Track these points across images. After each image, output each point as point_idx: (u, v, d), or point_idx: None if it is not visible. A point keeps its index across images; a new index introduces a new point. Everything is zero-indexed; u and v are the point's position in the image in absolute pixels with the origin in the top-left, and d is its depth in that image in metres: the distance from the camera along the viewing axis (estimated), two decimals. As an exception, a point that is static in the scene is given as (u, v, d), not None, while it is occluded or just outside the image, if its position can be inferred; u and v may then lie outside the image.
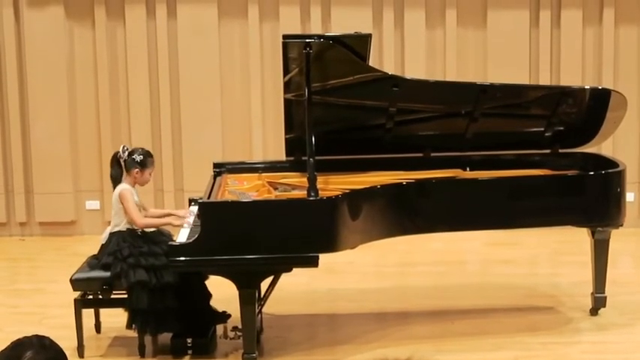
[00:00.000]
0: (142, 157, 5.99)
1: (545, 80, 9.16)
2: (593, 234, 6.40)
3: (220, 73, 9.24)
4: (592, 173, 6.37)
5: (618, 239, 6.74)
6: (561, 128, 6.76)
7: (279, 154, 6.96)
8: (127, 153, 5.98)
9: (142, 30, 9.16)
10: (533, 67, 9.25)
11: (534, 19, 9.23)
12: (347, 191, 5.72)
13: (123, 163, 5.98)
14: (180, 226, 5.87)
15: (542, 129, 6.74)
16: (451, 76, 9.09)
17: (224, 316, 6.09)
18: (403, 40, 9.23)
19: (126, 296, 5.80)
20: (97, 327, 6.31)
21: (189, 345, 5.91)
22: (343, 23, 8.84)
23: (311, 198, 5.50)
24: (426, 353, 5.91)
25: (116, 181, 6.02)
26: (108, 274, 5.80)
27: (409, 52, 9.22)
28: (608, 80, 9.00)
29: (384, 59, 9.09)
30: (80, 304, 5.90)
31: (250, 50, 9.19)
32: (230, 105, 9.31)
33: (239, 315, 5.55)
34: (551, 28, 9.21)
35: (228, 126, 9.31)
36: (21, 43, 9.19)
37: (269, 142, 9.24)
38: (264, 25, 9.19)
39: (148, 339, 5.91)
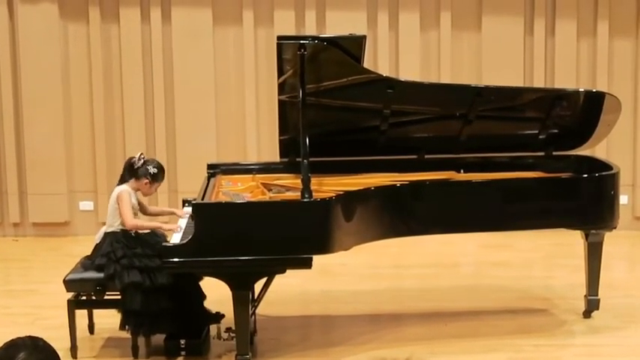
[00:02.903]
0: (156, 170, 6.01)
1: (539, 85, 9.16)
2: (586, 237, 6.41)
3: (215, 75, 9.24)
4: (586, 176, 6.38)
5: (612, 242, 6.76)
6: (555, 131, 6.77)
7: (274, 155, 6.96)
8: (142, 161, 5.99)
9: (136, 32, 9.16)
10: (527, 72, 9.26)
11: (529, 25, 9.24)
12: (341, 193, 5.72)
13: (135, 170, 5.98)
14: (172, 230, 5.86)
15: (537, 131, 6.75)
16: (445, 79, 9.10)
17: (218, 317, 6.08)
18: (398, 43, 9.24)
19: (119, 297, 5.79)
20: (91, 328, 6.30)
21: (182, 346, 5.91)
22: (338, 27, 8.84)
23: (305, 199, 5.50)
24: (419, 355, 5.91)
25: (123, 182, 6.02)
26: (101, 275, 5.79)
27: (404, 55, 9.22)
28: (602, 85, 9.01)
29: (378, 62, 9.09)
30: (73, 305, 5.90)
31: (245, 53, 9.19)
32: (224, 106, 9.31)
33: (233, 316, 5.54)
34: (546, 36, 9.23)
35: (223, 127, 9.31)
36: (15, 41, 9.18)
37: (263, 143, 9.24)
38: (259, 29, 9.19)
39: (141, 340, 5.90)
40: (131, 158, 6.05)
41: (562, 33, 9.20)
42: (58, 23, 9.14)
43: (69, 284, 5.88)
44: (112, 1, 9.16)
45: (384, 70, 8.76)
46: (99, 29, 9.15)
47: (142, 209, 6.18)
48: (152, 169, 5.99)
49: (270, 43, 8.54)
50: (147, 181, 5.99)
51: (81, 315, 6.06)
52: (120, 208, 5.87)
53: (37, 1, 9.09)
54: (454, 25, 9.23)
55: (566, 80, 9.11)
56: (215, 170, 6.66)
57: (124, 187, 5.96)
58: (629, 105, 9.04)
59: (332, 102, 6.34)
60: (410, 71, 8.96)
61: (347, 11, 9.12)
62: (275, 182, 6.42)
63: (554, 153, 6.84)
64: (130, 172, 5.99)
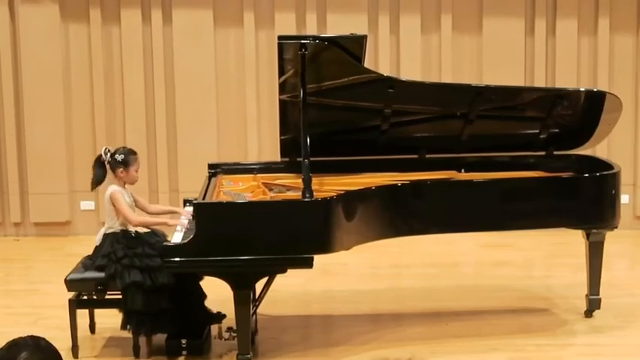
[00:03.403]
0: (123, 155, 5.97)
1: (540, 84, 9.15)
2: (587, 236, 6.41)
3: (216, 76, 9.24)
4: (587, 175, 6.38)
5: (613, 241, 6.75)
6: (556, 130, 6.77)
7: (274, 155, 6.96)
8: (109, 154, 5.96)
9: (137, 33, 9.16)
10: (528, 74, 9.26)
11: (529, 26, 9.24)
12: (342, 192, 5.72)
13: (108, 166, 5.97)
14: (175, 227, 5.85)
15: (537, 131, 6.75)
16: (446, 81, 9.08)
17: (219, 317, 6.09)
18: (399, 46, 9.24)
19: (120, 297, 5.79)
20: (92, 327, 6.30)
21: (183, 346, 5.90)
22: (339, 29, 8.83)
23: (306, 199, 5.50)
24: (420, 355, 5.91)
25: (97, 183, 5.99)
26: (102, 274, 5.79)
27: (404, 58, 9.22)
28: (603, 85, 9.01)
29: (379, 64, 9.08)
30: (75, 305, 5.90)
31: (245, 54, 9.19)
32: (225, 106, 9.31)
33: (234, 316, 5.55)
34: (547, 37, 9.23)
35: (224, 127, 9.31)
36: (16, 41, 9.18)
37: (264, 143, 9.24)
38: (260, 30, 9.19)
39: (142, 340, 5.91)
40: (99, 157, 6.01)
41: (563, 31, 9.19)
42: (59, 24, 9.14)
43: (70, 284, 5.88)
44: (113, 2, 9.16)
45: (385, 73, 8.74)
46: (100, 30, 9.15)
47: (143, 208, 6.18)
48: (119, 157, 5.95)
49: (271, 45, 8.54)
50: (121, 169, 5.96)
51: (82, 315, 6.05)
52: (117, 208, 5.86)
53: (38, 1, 9.09)
54: (455, 28, 9.23)
55: (567, 79, 9.10)
56: (216, 170, 6.66)
57: (113, 187, 5.94)
58: (630, 104, 9.04)
59: (333, 102, 6.34)
60: (411, 74, 8.93)
61: (348, 14, 9.12)
62: (276, 182, 6.43)
63: (555, 152, 6.84)
64: (102, 169, 5.97)
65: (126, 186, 6.02)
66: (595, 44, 9.24)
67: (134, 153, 6.06)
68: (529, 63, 9.27)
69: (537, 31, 9.21)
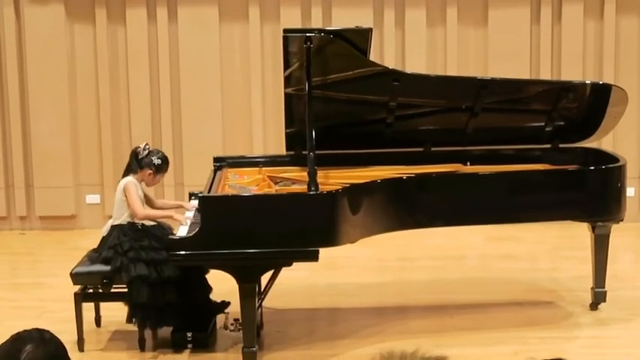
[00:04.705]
0: (160, 161, 6.02)
1: (545, 77, 9.13)
2: (593, 229, 6.40)
3: (221, 69, 9.23)
4: (592, 168, 6.38)
5: (618, 234, 6.74)
6: (562, 123, 6.75)
7: (280, 148, 6.95)
8: (147, 151, 6.00)
9: (142, 31, 9.14)
10: (534, 64, 9.23)
11: (535, 15, 9.21)
12: (347, 185, 5.72)
13: (139, 160, 5.98)
14: (181, 221, 5.86)
15: (543, 124, 6.73)
16: (452, 74, 9.06)
17: (223, 306, 6.09)
18: (404, 40, 9.22)
19: (126, 290, 5.80)
20: (97, 321, 6.32)
21: (189, 339, 5.92)
22: (344, 23, 8.80)
23: (311, 192, 5.50)
24: (425, 347, 5.90)
25: (126, 174, 6.03)
26: (108, 268, 5.80)
27: (410, 51, 9.20)
28: (609, 75, 8.99)
29: (384, 58, 9.05)
30: (80, 298, 5.91)
31: (251, 48, 9.18)
32: (230, 99, 9.30)
33: (239, 308, 5.55)
34: (552, 24, 9.19)
35: (229, 120, 9.31)
36: (21, 39, 9.18)
37: (269, 136, 9.23)
38: (265, 25, 9.18)
39: (148, 333, 5.92)
40: (136, 148, 6.06)
41: (569, 17, 9.13)
42: (64, 23, 9.13)
43: (76, 277, 5.90)
44: (118, 1, 9.15)
45: (391, 66, 8.73)
46: (105, 30, 9.14)
47: (150, 203, 6.19)
48: (156, 160, 6.00)
49: (276, 39, 8.55)
50: (150, 171, 6.00)
51: (88, 308, 6.07)
52: (128, 199, 5.88)
53: (44, 1, 9.08)
54: (460, 21, 9.21)
55: (572, 67, 9.06)
56: (221, 163, 6.66)
57: (130, 178, 5.97)
58: (636, 96, 8.99)
59: (338, 95, 6.33)
60: (416, 67, 8.91)
61: (353, 8, 9.09)
62: (281, 175, 6.43)
63: (560, 145, 6.82)
64: (134, 162, 6.00)
65: (142, 183, 6.05)
66: (601, 29, 9.17)
67: (168, 162, 6.13)
68: (535, 53, 9.24)
69: (543, 19, 9.16)
